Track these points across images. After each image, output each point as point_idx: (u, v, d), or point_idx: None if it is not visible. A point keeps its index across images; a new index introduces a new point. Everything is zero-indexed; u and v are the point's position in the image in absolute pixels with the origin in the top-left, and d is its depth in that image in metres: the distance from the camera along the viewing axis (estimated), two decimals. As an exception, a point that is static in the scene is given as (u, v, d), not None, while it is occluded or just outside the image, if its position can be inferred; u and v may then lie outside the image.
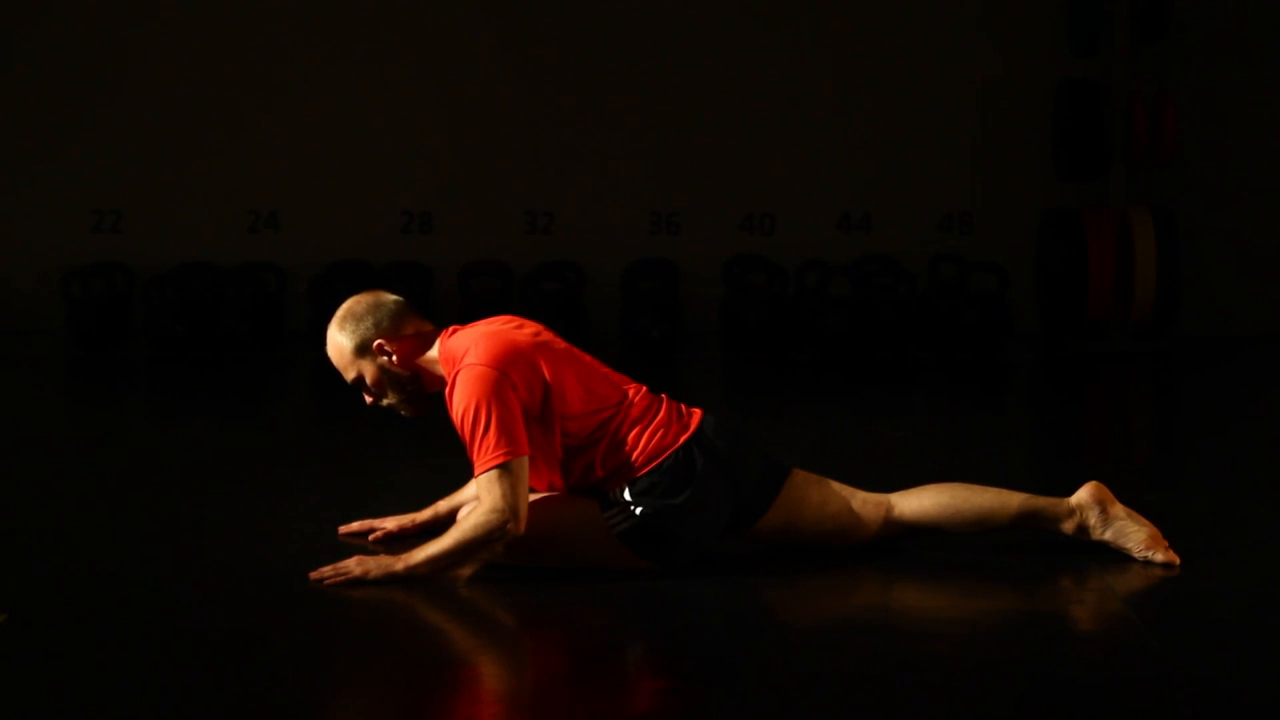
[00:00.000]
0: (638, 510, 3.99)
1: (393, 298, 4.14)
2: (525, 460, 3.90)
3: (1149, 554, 4.09)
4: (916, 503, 4.21)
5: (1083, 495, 4.15)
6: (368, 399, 4.14)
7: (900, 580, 4.05)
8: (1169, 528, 4.18)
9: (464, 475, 4.30)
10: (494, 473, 3.88)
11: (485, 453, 3.88)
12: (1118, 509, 4.14)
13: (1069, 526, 4.15)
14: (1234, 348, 9.16)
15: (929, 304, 9.05)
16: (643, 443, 4.02)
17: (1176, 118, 8.93)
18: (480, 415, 3.89)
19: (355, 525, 4.49)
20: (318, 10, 9.67)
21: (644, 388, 4.15)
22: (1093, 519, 4.13)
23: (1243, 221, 9.59)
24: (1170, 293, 8.84)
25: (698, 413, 4.13)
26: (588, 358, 4.15)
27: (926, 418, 7.31)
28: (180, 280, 9.26)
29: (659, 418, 4.06)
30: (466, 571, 4.01)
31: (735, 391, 8.21)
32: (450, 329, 4.13)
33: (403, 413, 4.16)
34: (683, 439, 4.04)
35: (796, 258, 9.48)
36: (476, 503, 3.94)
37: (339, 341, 4.10)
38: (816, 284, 9.22)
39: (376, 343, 4.07)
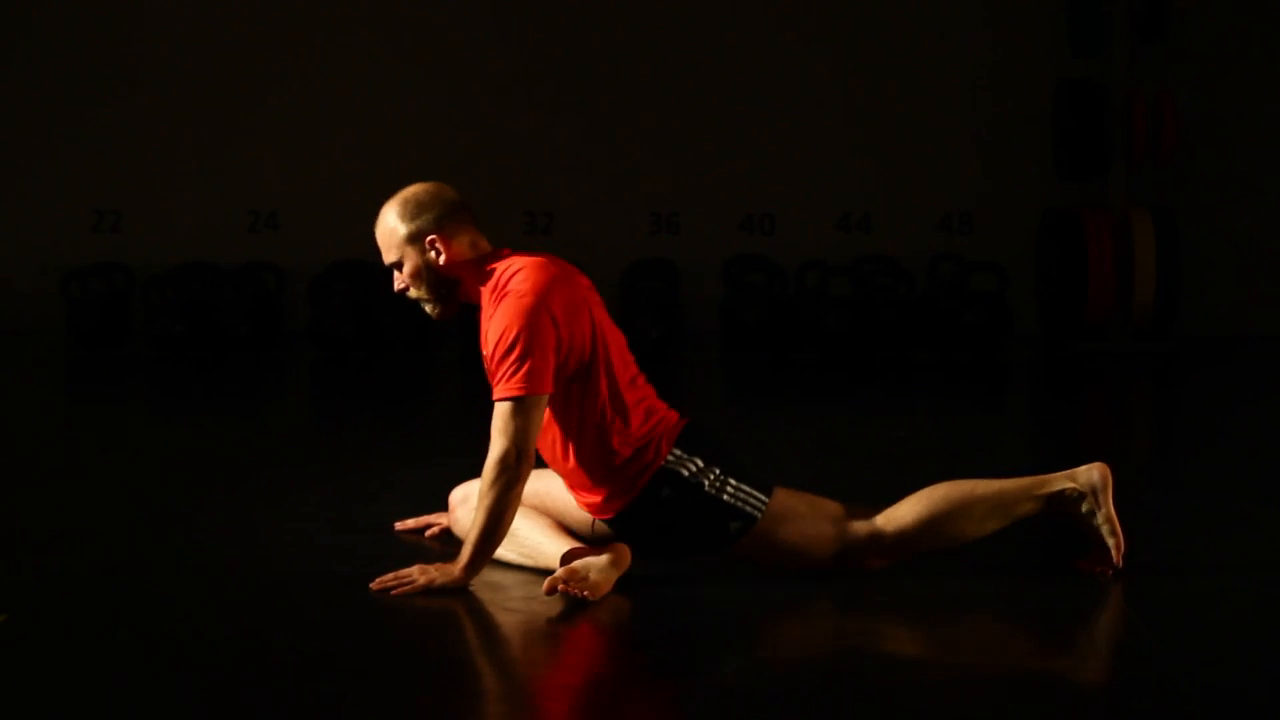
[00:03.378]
0: (715, 480, 3.91)
1: (455, 195, 4.03)
2: (543, 399, 3.80)
3: (1111, 564, 3.94)
4: (907, 511, 3.97)
5: (1094, 478, 3.94)
6: (398, 285, 4.01)
7: (899, 580, 4.04)
8: (1169, 528, 4.18)
9: (466, 476, 4.29)
10: (508, 405, 3.78)
11: (505, 381, 3.79)
12: (1110, 504, 3.96)
13: (1074, 507, 3.95)
14: (1234, 348, 9.16)
15: (929, 304, 9.05)
16: (653, 417, 3.93)
17: (1176, 118, 8.93)
18: (512, 342, 3.79)
19: (411, 522, 4.45)
20: (318, 10, 9.67)
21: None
22: (1100, 504, 3.93)
23: (1243, 221, 9.59)
24: (1170, 293, 8.83)
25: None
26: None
27: (926, 418, 7.30)
28: (180, 280, 9.25)
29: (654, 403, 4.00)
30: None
31: (735, 391, 8.21)
32: (504, 251, 4.01)
33: (428, 309, 4.04)
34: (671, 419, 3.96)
35: (796, 258, 9.47)
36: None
37: (393, 225, 3.95)
38: (816, 284, 9.21)
39: (430, 237, 3.95)
